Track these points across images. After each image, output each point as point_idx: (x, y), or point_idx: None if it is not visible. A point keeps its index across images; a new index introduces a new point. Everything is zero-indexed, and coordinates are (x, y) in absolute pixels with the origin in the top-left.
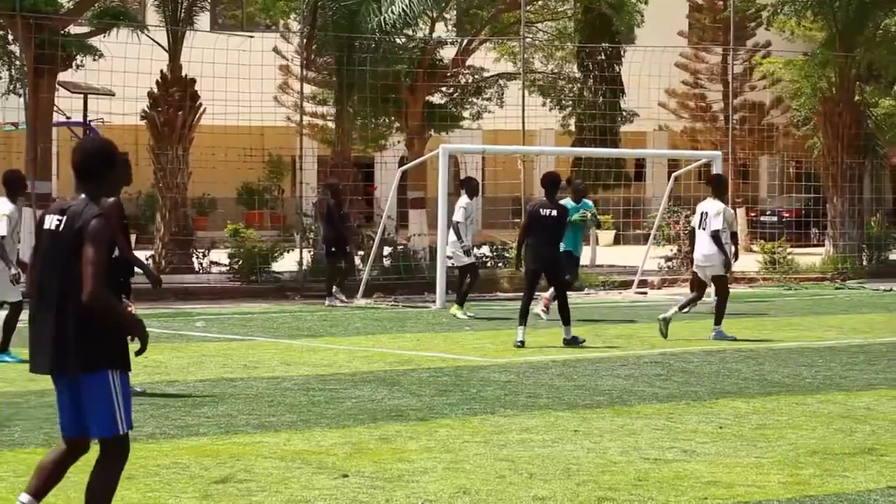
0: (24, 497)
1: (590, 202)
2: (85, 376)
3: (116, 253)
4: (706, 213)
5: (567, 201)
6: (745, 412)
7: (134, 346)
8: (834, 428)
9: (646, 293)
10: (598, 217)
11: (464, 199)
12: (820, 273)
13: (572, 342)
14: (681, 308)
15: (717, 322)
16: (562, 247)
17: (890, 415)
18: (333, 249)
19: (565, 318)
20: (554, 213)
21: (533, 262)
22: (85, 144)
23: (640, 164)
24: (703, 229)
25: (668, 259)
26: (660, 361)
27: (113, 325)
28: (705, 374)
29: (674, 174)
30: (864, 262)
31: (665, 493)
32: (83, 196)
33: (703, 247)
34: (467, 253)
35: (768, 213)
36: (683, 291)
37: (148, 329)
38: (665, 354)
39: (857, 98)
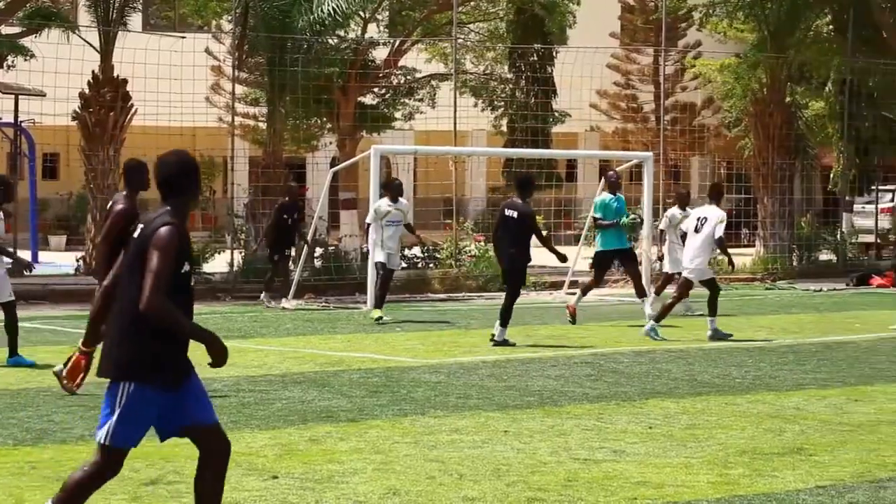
0: None
1: (622, 197)
2: (111, 382)
3: (186, 268)
4: (705, 218)
5: (604, 195)
6: (675, 412)
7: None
8: (763, 428)
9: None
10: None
11: (383, 201)
12: (750, 273)
13: (502, 343)
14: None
15: (658, 319)
16: (613, 245)
17: (819, 414)
18: (268, 252)
19: (504, 320)
20: (515, 214)
21: (502, 260)
22: (168, 160)
23: (571, 164)
24: (697, 232)
25: None
26: (590, 362)
27: (177, 336)
28: (635, 374)
29: (605, 175)
30: (795, 263)
31: (595, 494)
32: (168, 208)
33: (691, 250)
34: (364, 257)
35: None
36: (614, 292)
37: (81, 329)
38: (595, 355)
39: (787, 99)
